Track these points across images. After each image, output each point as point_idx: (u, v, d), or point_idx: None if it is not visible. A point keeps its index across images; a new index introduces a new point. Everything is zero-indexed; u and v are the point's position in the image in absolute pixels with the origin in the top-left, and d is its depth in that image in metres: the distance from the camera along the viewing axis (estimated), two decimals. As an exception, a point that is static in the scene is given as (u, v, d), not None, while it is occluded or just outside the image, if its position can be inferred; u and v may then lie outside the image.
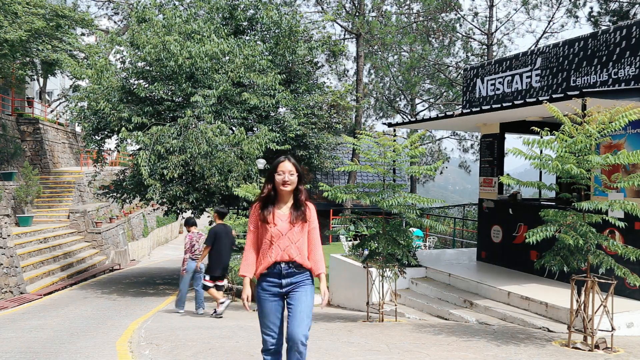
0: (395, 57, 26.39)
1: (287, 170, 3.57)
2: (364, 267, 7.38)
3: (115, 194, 14.81)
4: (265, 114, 14.91)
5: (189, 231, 9.45)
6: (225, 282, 9.38)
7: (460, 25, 23.85)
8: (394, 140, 7.46)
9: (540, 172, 7.11)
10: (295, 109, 15.11)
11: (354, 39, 20.63)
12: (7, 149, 19.66)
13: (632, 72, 7.06)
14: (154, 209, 29.12)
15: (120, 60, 14.91)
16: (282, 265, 3.53)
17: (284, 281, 3.53)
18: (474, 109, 8.19)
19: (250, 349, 5.46)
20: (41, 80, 25.63)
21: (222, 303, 8.61)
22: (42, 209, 19.54)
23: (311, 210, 3.67)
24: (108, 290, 13.81)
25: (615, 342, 5.22)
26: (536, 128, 5.66)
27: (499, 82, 9.42)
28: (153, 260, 24.77)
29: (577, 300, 5.32)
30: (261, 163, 13.39)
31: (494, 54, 23.33)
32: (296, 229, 3.55)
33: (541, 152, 5.88)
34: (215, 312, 8.69)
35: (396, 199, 6.83)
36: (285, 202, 3.62)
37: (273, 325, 3.53)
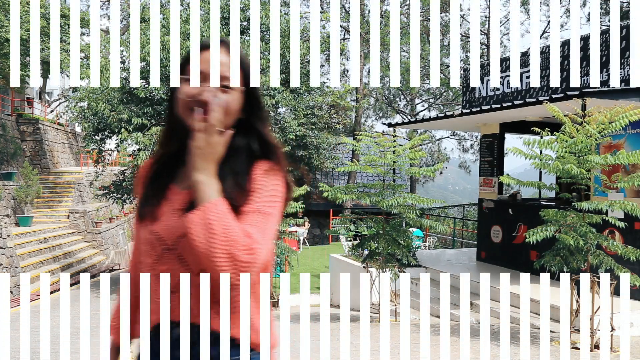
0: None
1: (207, 71, 1.33)
2: (363, 267, 7.39)
3: (115, 195, 14.82)
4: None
5: None
6: None
7: (460, 25, 23.87)
8: (394, 141, 7.46)
9: (540, 172, 7.11)
10: (295, 109, 15.11)
11: (354, 39, 20.59)
12: (7, 149, 19.66)
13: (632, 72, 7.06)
14: (153, 209, 29.10)
15: (120, 60, 14.91)
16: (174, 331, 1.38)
17: None
18: (473, 109, 8.20)
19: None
20: (41, 80, 25.63)
21: None
22: (42, 209, 19.53)
23: (261, 181, 1.32)
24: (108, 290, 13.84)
25: (615, 342, 5.22)
26: (536, 128, 5.67)
27: (499, 82, 9.42)
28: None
29: (577, 300, 5.32)
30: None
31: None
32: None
33: (541, 152, 5.89)
34: None
35: (396, 199, 6.84)
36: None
37: None
